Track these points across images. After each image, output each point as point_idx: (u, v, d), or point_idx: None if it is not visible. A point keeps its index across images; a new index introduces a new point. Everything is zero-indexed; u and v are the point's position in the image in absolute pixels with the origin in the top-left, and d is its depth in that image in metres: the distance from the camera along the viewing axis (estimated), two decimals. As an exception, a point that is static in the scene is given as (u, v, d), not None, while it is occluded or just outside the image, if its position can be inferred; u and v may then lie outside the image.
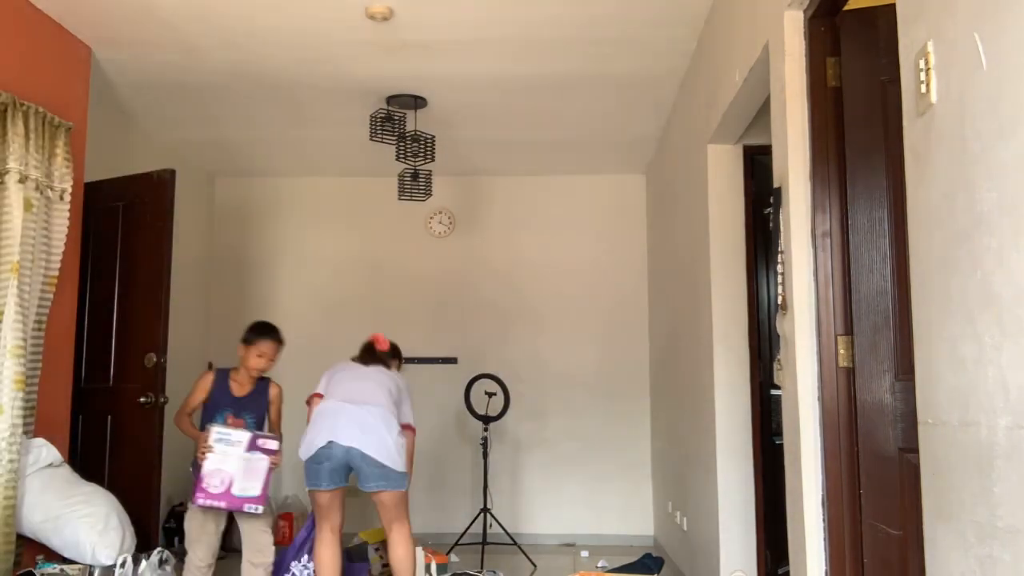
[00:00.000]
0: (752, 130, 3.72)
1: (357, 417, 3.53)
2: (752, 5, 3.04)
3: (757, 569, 3.75)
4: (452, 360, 6.22)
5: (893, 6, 1.82)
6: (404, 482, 3.62)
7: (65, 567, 3.49)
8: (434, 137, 4.88)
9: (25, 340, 3.48)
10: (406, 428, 3.75)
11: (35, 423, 3.67)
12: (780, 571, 3.76)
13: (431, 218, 6.42)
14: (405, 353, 4.44)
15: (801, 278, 2.55)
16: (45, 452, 3.62)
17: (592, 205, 6.39)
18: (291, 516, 5.79)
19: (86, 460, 4.20)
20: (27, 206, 3.52)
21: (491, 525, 5.37)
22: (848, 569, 2.38)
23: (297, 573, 4.18)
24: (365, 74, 4.47)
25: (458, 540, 5.45)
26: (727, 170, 3.91)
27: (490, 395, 5.53)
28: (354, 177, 6.45)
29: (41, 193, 3.63)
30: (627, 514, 6.11)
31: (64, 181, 3.78)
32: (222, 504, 3.60)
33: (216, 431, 3.62)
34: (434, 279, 6.35)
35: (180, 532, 5.49)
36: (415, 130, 4.85)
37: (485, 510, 5.35)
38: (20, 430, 3.43)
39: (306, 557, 4.12)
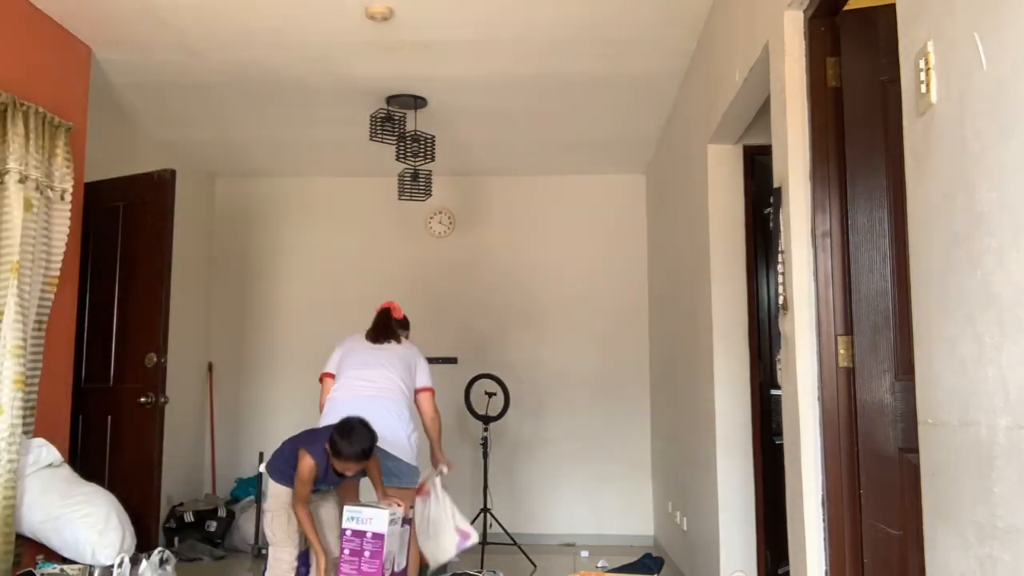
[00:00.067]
0: (752, 130, 3.72)
1: (372, 412, 3.56)
2: (752, 5, 3.04)
3: (757, 569, 3.75)
4: (452, 360, 6.22)
5: (893, 6, 1.82)
6: (415, 478, 3.71)
7: (65, 567, 3.49)
8: (434, 137, 4.88)
9: (25, 340, 3.48)
10: (423, 391, 3.84)
11: (35, 423, 3.67)
12: (780, 571, 3.76)
13: (431, 218, 6.42)
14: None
15: (801, 278, 2.55)
16: (45, 452, 3.62)
17: (592, 205, 6.39)
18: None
19: (86, 460, 4.20)
20: (27, 206, 3.52)
21: (491, 525, 5.37)
22: (848, 569, 2.38)
23: None
24: (365, 74, 4.47)
25: (458, 540, 5.45)
26: (727, 170, 3.91)
27: (490, 395, 5.53)
28: (354, 177, 6.45)
29: (41, 193, 3.63)
30: (627, 514, 6.11)
31: (64, 181, 3.78)
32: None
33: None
34: (434, 279, 6.34)
35: (180, 532, 5.50)
36: (415, 130, 4.85)
37: (485, 510, 5.34)
38: (20, 430, 3.43)
39: None
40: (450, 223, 6.42)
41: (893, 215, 2.35)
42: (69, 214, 3.83)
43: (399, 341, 3.95)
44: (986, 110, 1.42)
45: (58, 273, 3.78)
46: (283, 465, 3.36)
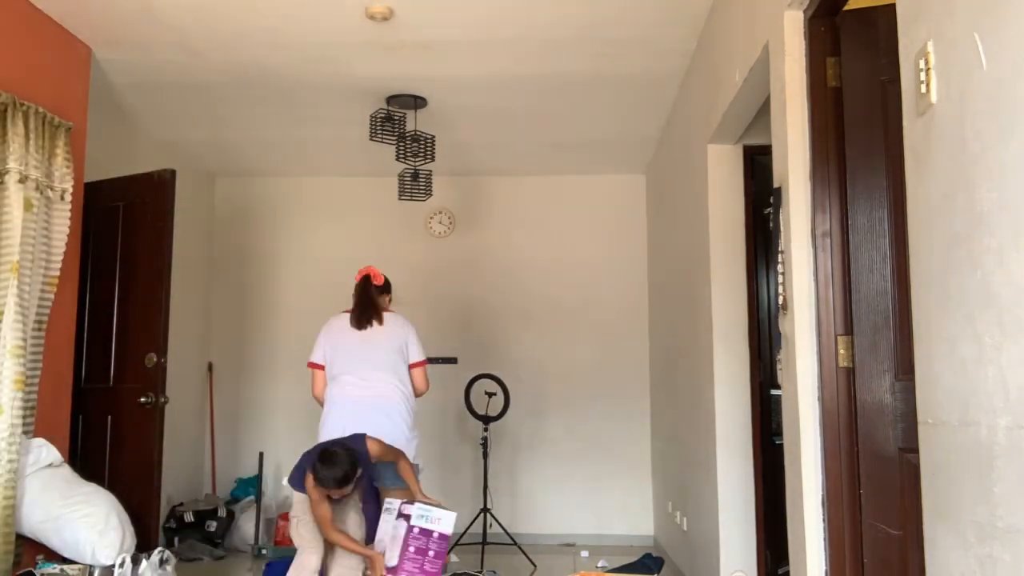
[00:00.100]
0: (752, 130, 3.72)
1: (371, 417, 3.57)
2: (752, 5, 3.04)
3: (757, 569, 3.75)
4: (452, 360, 6.22)
5: (893, 6, 1.82)
6: (417, 476, 3.69)
7: (65, 567, 3.49)
8: (434, 137, 4.88)
9: (25, 340, 3.48)
10: (416, 366, 3.81)
11: (35, 423, 3.67)
12: (780, 571, 3.76)
13: (431, 218, 6.42)
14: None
15: (801, 278, 2.55)
16: (45, 452, 3.62)
17: (592, 205, 6.39)
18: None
19: (86, 460, 4.20)
20: (27, 206, 3.52)
21: (491, 525, 5.37)
22: (848, 569, 2.38)
23: None
24: (365, 74, 4.47)
25: (458, 540, 5.45)
26: (727, 170, 3.91)
27: (490, 395, 5.53)
28: (354, 177, 6.45)
29: (41, 193, 3.63)
30: (627, 514, 6.11)
31: (64, 181, 3.78)
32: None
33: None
34: (434, 279, 6.34)
35: (180, 532, 5.50)
36: (415, 130, 4.85)
37: (485, 510, 5.34)
38: (20, 430, 3.43)
39: None
40: (450, 223, 6.42)
41: (893, 215, 2.35)
42: (69, 214, 3.83)
43: (381, 320, 3.81)
44: (986, 110, 1.42)
45: (58, 273, 3.78)
46: (300, 476, 3.41)
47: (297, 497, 3.44)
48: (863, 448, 2.36)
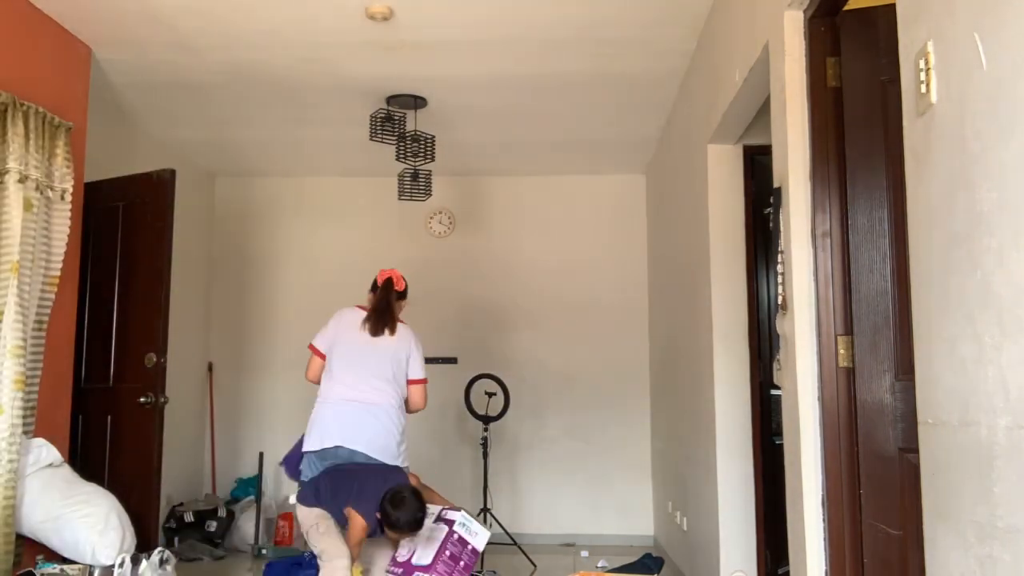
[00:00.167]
0: (752, 130, 3.72)
1: (364, 422, 3.56)
2: (752, 5, 3.04)
3: (757, 569, 3.75)
4: (452, 360, 6.22)
5: (893, 6, 1.82)
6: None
7: (65, 567, 3.49)
8: (434, 137, 4.88)
9: (25, 340, 3.48)
10: (415, 383, 3.76)
11: (35, 423, 3.67)
12: (780, 571, 3.76)
13: (431, 218, 6.42)
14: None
15: (801, 278, 2.55)
16: (45, 452, 3.62)
17: (592, 205, 6.39)
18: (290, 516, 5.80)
19: (86, 460, 4.20)
20: (27, 206, 3.52)
21: (491, 525, 5.36)
22: (848, 569, 2.38)
23: None
24: (365, 74, 4.47)
25: (458, 540, 5.45)
26: (727, 170, 3.91)
27: (490, 395, 5.53)
28: (354, 177, 6.45)
29: (41, 193, 3.63)
30: (627, 514, 6.11)
31: (64, 181, 3.78)
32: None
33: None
34: (434, 279, 6.34)
35: (180, 532, 5.50)
36: (415, 130, 4.85)
37: (485, 510, 5.34)
38: (20, 430, 3.43)
39: None
40: (450, 223, 6.42)
41: (893, 215, 2.35)
42: (69, 214, 3.83)
43: (394, 330, 3.77)
44: (986, 110, 1.42)
45: (58, 273, 3.78)
46: (311, 497, 3.40)
47: (304, 513, 3.41)
48: (863, 448, 2.36)
